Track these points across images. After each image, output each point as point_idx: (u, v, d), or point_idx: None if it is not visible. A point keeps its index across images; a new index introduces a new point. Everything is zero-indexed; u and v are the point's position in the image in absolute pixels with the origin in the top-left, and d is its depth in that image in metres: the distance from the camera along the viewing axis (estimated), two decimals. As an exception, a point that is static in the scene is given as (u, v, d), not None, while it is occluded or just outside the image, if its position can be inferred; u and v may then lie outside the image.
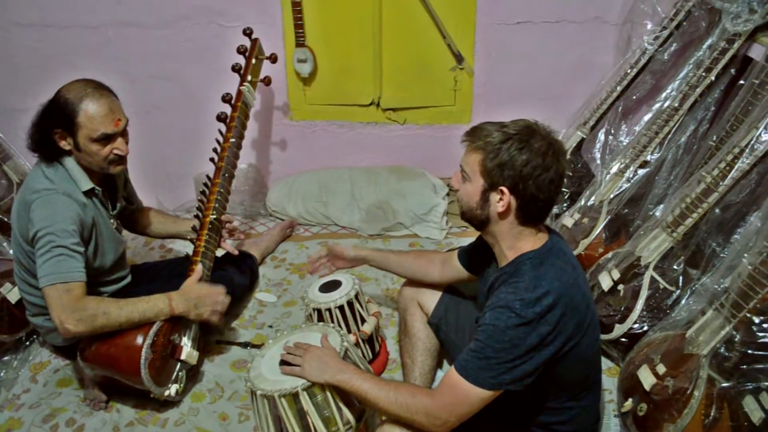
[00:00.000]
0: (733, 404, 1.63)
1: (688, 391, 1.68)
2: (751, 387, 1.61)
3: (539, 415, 1.60)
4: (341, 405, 1.67)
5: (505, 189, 1.46)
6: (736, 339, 1.67)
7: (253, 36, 2.70)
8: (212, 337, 2.44)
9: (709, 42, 2.48)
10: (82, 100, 1.92)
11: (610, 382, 2.11)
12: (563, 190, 2.90)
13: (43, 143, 1.99)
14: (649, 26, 2.74)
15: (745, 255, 1.77)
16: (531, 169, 1.43)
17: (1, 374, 2.28)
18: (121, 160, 2.06)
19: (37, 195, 1.93)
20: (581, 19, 2.91)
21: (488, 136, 1.48)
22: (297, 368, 1.64)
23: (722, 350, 1.70)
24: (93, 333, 1.92)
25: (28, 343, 2.43)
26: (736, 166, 1.98)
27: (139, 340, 1.96)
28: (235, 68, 2.62)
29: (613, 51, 2.96)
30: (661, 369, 1.80)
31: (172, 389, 2.09)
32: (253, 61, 2.67)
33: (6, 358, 2.35)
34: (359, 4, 2.96)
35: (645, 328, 2.07)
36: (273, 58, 2.78)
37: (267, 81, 2.78)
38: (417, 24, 2.99)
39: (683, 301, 2.03)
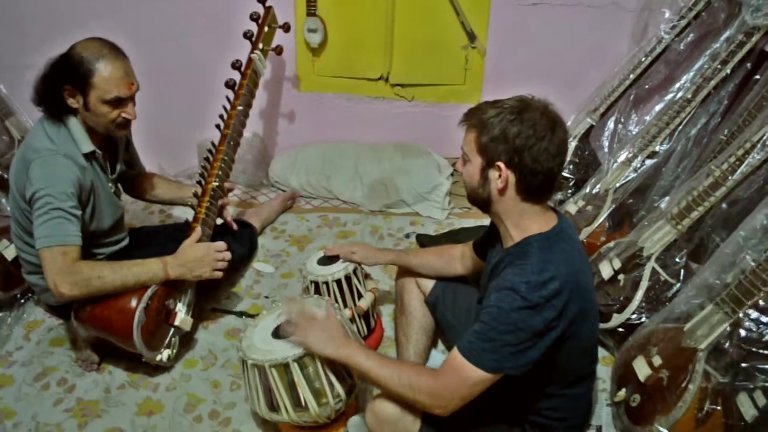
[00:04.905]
0: (728, 401, 1.62)
1: (683, 385, 1.66)
2: (746, 385, 1.59)
3: (531, 400, 1.60)
4: (332, 378, 1.66)
5: (501, 164, 1.44)
6: (735, 335, 1.66)
7: (267, 3, 2.65)
8: (207, 305, 2.43)
9: (726, 34, 2.44)
10: (99, 59, 1.88)
11: (604, 371, 2.10)
12: (568, 176, 2.87)
13: (50, 98, 1.95)
14: (666, 15, 2.69)
15: (749, 251, 1.75)
16: (524, 140, 1.41)
17: (-5, 330, 2.29)
18: (127, 124, 2.04)
19: (38, 155, 1.91)
20: (598, 3, 2.86)
21: (483, 113, 1.47)
22: (299, 336, 1.62)
23: (720, 346, 1.69)
24: (87, 296, 1.91)
25: (23, 300, 2.42)
26: (746, 162, 1.95)
27: (133, 303, 1.95)
28: (247, 35, 2.58)
29: (629, 38, 2.91)
30: (657, 361, 1.79)
31: (164, 354, 2.09)
32: (266, 29, 2.63)
33: (0, 314, 2.34)
34: (373, -25, 2.91)
35: (643, 319, 2.05)
36: (286, 27, 2.74)
37: (279, 50, 2.74)
38: (431, -1, 2.94)
39: (682, 293, 2.01)
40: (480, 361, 1.41)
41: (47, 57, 1.95)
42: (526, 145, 1.41)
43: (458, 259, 2.01)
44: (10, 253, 2.32)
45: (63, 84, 1.91)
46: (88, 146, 1.99)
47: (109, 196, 2.13)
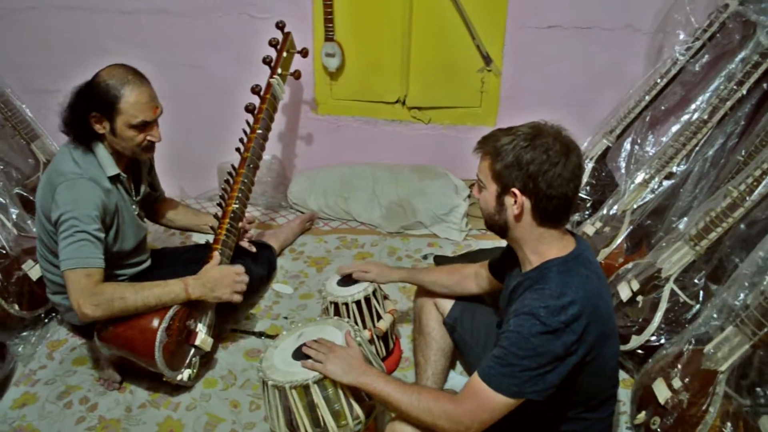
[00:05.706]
0: (749, 424, 1.60)
1: (704, 407, 1.65)
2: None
3: (552, 423, 1.59)
4: (351, 400, 1.67)
5: (516, 190, 1.46)
6: (756, 357, 1.65)
7: (286, 29, 2.71)
8: (227, 325, 2.46)
9: (742, 55, 2.45)
10: (124, 86, 1.93)
11: (624, 393, 2.08)
12: (585, 197, 2.87)
13: (77, 126, 2.00)
14: (681, 36, 2.70)
15: (768, 273, 1.74)
16: (537, 166, 1.42)
17: (19, 350, 2.32)
18: (153, 146, 2.09)
19: (63, 178, 1.96)
20: (613, 26, 2.88)
21: (496, 140, 1.49)
22: (319, 365, 1.64)
23: (741, 368, 1.67)
24: (110, 317, 1.94)
25: (46, 320, 2.47)
26: (763, 182, 1.95)
27: (155, 323, 1.98)
28: (266, 60, 2.63)
29: (644, 60, 2.93)
30: (677, 383, 1.78)
31: (185, 374, 2.11)
32: (284, 54, 2.69)
33: (25, 333, 2.39)
34: (390, 0, 2.96)
35: (662, 340, 2.04)
36: (304, 53, 2.79)
37: (297, 75, 2.79)
38: (447, 23, 2.98)
39: (702, 315, 2.00)
40: (500, 386, 1.41)
41: (71, 82, 2.01)
42: (540, 170, 1.43)
43: (471, 278, 2.01)
44: (35, 274, 2.36)
45: (89, 111, 1.96)
46: (113, 169, 2.04)
47: (133, 218, 2.17)
